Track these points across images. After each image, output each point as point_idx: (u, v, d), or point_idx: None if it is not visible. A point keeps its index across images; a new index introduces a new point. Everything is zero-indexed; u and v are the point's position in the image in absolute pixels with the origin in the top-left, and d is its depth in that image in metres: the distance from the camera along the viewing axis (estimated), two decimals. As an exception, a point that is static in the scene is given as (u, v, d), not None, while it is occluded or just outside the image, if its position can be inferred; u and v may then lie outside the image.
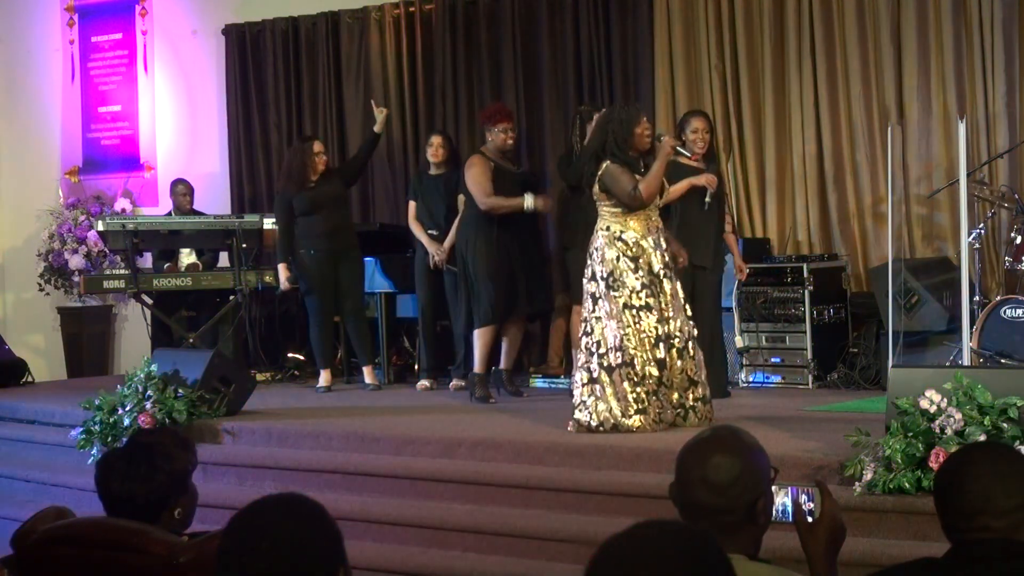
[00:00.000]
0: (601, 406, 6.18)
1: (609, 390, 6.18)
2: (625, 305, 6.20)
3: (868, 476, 4.86)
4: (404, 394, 8.30)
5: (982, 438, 4.64)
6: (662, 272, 6.29)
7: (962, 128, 6.36)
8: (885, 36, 8.30)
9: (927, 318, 7.71)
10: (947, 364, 6.57)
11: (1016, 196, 7.38)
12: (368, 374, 8.60)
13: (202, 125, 10.96)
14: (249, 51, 10.57)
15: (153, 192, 11.06)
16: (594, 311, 6.29)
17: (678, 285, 6.37)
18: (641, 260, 6.24)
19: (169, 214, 9.79)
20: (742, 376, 8.07)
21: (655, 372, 6.19)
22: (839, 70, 8.45)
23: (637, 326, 6.18)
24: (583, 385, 6.26)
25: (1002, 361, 6.94)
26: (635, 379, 6.16)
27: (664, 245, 6.36)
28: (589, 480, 5.71)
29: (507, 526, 5.63)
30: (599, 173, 6.31)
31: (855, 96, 8.41)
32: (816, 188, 8.59)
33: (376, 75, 10.00)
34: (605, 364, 6.20)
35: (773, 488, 2.66)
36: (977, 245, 7.31)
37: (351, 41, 10.14)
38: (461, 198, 8.15)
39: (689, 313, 6.39)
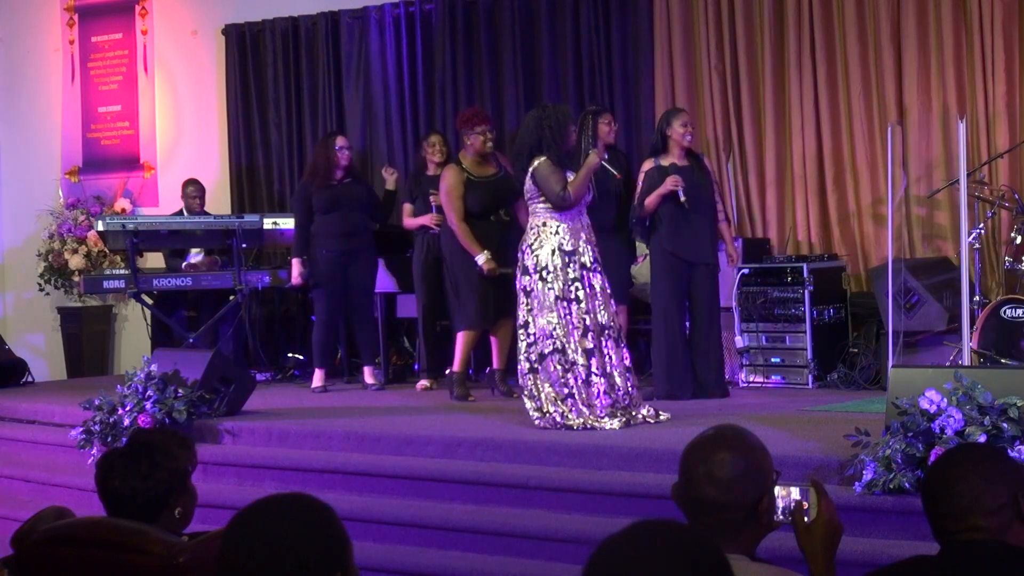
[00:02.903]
0: (543, 394, 6.43)
1: (543, 378, 6.44)
2: (557, 297, 6.44)
3: (868, 476, 4.86)
4: (404, 394, 8.29)
5: (982, 438, 4.64)
6: (592, 267, 6.55)
7: (962, 128, 6.36)
8: (885, 36, 8.30)
9: (927, 318, 7.70)
10: (947, 364, 6.57)
11: (1016, 196, 7.38)
12: (369, 374, 8.61)
13: (202, 125, 10.95)
14: (249, 51, 10.57)
15: (153, 192, 11.06)
16: (527, 303, 6.52)
17: (605, 280, 6.62)
18: (575, 255, 6.49)
19: (180, 212, 9.76)
20: (742, 376, 8.07)
21: (584, 361, 6.42)
22: (839, 70, 8.45)
23: (569, 317, 6.43)
24: (525, 374, 6.53)
25: (1002, 361, 6.93)
26: (565, 366, 6.41)
27: (593, 241, 6.65)
28: (589, 480, 5.70)
29: (507, 526, 5.63)
30: (532, 168, 6.52)
31: (855, 96, 8.40)
32: (816, 188, 8.58)
33: (376, 75, 10.00)
34: (537, 352, 6.47)
35: (776, 490, 2.67)
36: (977, 245, 7.30)
37: (351, 41, 10.14)
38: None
39: (614, 308, 6.67)
